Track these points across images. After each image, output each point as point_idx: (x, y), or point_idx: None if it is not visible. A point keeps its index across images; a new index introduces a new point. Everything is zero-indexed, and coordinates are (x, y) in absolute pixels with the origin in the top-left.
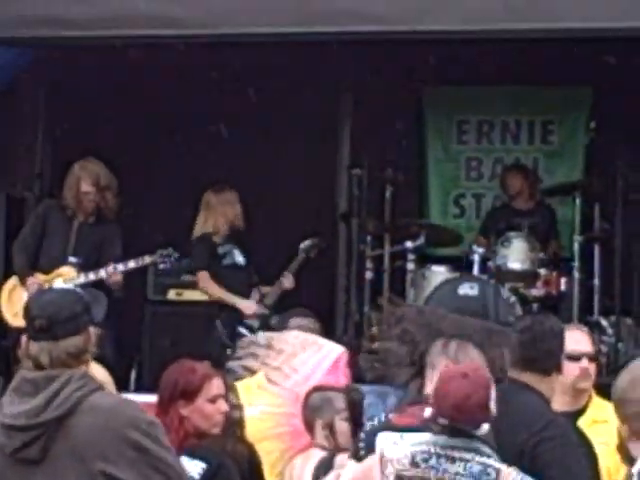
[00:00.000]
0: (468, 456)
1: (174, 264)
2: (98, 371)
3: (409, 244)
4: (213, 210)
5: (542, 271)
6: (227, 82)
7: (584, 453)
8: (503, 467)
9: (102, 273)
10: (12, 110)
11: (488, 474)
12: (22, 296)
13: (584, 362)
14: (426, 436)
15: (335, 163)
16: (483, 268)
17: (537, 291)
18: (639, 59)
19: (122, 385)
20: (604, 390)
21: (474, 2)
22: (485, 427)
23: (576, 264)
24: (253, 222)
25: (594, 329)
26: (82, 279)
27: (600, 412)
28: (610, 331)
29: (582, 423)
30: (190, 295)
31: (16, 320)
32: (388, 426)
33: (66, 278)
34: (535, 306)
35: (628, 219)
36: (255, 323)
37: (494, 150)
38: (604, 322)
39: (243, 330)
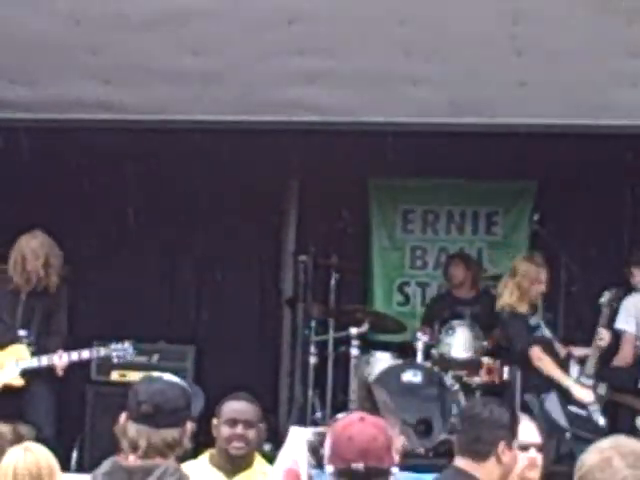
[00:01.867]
0: None
1: (127, 360)
2: (42, 452)
3: (353, 330)
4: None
5: (485, 360)
6: (173, 166)
7: None
8: None
9: (54, 360)
10: None
11: None
12: None
13: (532, 452)
14: None
15: (281, 249)
16: (427, 356)
17: (480, 379)
18: (584, 155)
19: (63, 465)
20: (548, 478)
21: (418, 95)
22: (395, 470)
23: None
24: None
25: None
26: (35, 363)
27: None
28: None
29: None
30: (134, 376)
31: None
32: None
33: (19, 359)
34: (478, 394)
35: (569, 310)
36: None
37: (439, 240)
38: None
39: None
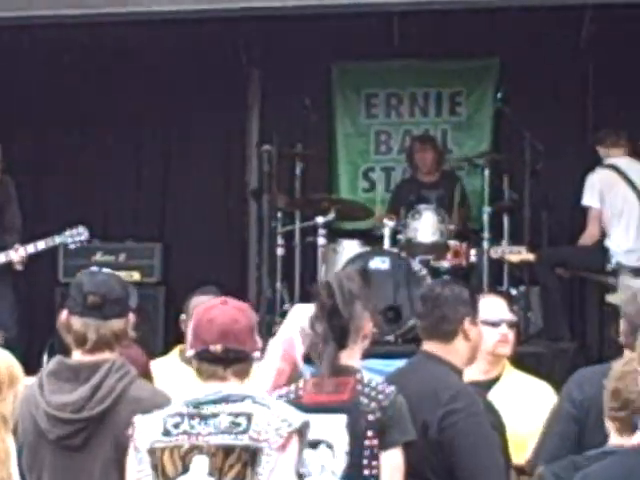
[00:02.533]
0: (217, 409)
1: (84, 243)
2: (3, 359)
3: (320, 219)
4: None
5: (452, 243)
6: (134, 61)
7: (491, 422)
8: (256, 409)
9: (12, 255)
10: None
11: (238, 424)
12: None
13: (503, 328)
14: (179, 399)
15: (244, 140)
16: (394, 242)
17: (447, 263)
18: (546, 29)
19: (34, 367)
20: (517, 359)
21: None
22: (257, 355)
23: (486, 235)
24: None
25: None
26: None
27: (514, 381)
28: (521, 301)
29: (496, 391)
30: None
31: None
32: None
33: None
34: (446, 277)
35: (535, 190)
36: None
37: (403, 123)
38: (514, 292)
39: None
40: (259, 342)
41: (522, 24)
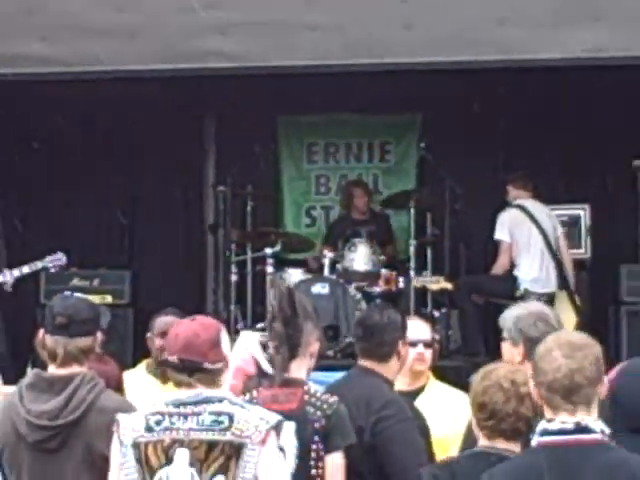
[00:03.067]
0: (199, 409)
1: (63, 268)
2: None
3: (268, 250)
4: None
5: (383, 271)
6: (105, 114)
7: (419, 426)
8: (236, 409)
9: (1, 278)
10: None
11: (221, 422)
12: None
13: (420, 348)
14: (160, 399)
15: (202, 182)
16: (332, 270)
17: (379, 288)
18: (462, 90)
19: (21, 375)
20: (438, 371)
21: (317, 41)
22: (218, 365)
23: (412, 264)
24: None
25: (428, 320)
26: None
27: (436, 391)
28: (442, 322)
29: (421, 400)
30: None
31: None
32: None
33: None
34: (378, 301)
35: (454, 226)
36: None
37: (339, 168)
38: (436, 314)
39: None
40: (224, 355)
41: (440, 85)
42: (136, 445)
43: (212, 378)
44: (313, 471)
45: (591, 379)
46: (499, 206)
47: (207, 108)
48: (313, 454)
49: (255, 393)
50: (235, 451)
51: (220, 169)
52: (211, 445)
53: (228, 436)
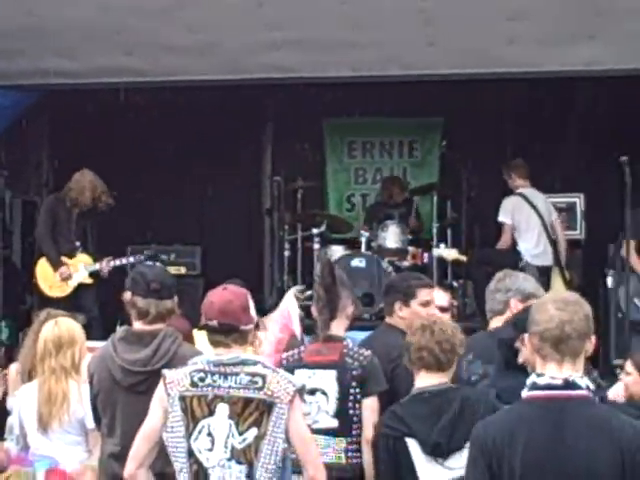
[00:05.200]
0: (237, 369)
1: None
2: (65, 325)
3: (315, 230)
4: None
5: (410, 248)
6: (188, 121)
7: None
8: (269, 372)
9: (102, 265)
10: (24, 139)
11: (255, 382)
12: (52, 274)
13: (431, 308)
14: (203, 358)
15: (261, 173)
16: (368, 247)
17: (407, 263)
18: (476, 98)
19: (109, 333)
20: None
21: (356, 56)
22: (250, 326)
23: (434, 243)
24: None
25: (448, 289)
26: (97, 266)
27: None
28: (460, 291)
29: None
30: None
31: (51, 291)
32: (301, 364)
33: (86, 264)
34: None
35: (470, 210)
36: None
37: (375, 162)
38: (455, 284)
39: None
40: (253, 317)
41: (458, 93)
42: (182, 398)
43: (245, 338)
44: (351, 411)
45: (580, 332)
46: (506, 193)
47: (266, 112)
48: (351, 397)
49: (302, 347)
50: (267, 408)
51: (276, 163)
52: (247, 402)
53: (261, 395)
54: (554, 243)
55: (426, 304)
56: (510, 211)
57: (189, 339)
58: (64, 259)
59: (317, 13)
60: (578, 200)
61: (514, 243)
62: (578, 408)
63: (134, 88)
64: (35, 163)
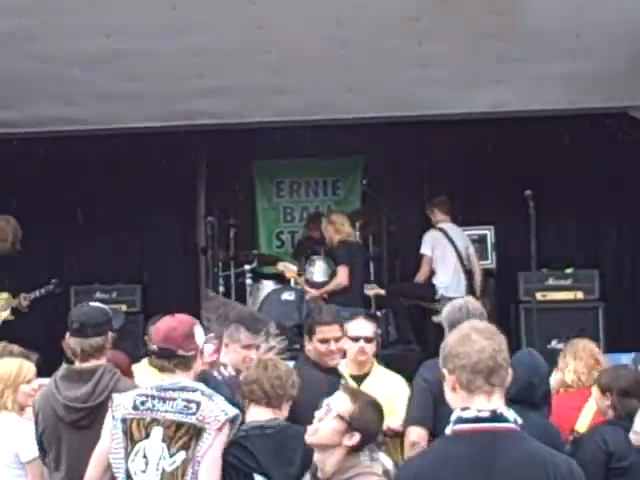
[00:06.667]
0: (175, 395)
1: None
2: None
3: (247, 267)
4: None
5: None
6: (125, 165)
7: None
8: (204, 399)
9: (22, 301)
10: None
11: (189, 407)
12: None
13: (361, 342)
14: (148, 384)
15: (196, 214)
16: (297, 281)
17: None
18: (393, 139)
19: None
20: (381, 358)
21: (282, 102)
22: (191, 353)
23: None
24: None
25: (372, 319)
26: (16, 302)
27: (379, 374)
28: (382, 320)
29: (368, 382)
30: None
31: None
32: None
33: (7, 301)
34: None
35: (390, 243)
36: None
37: (301, 201)
38: (378, 314)
39: None
40: (197, 345)
41: (376, 135)
42: (124, 420)
43: (187, 364)
44: None
45: (507, 362)
46: (424, 228)
47: (198, 156)
48: None
49: None
50: (197, 433)
51: (209, 203)
52: (179, 425)
53: (193, 420)
54: (470, 273)
55: (324, 341)
56: (430, 244)
57: (128, 374)
58: None
59: (242, 61)
60: (489, 232)
61: (432, 275)
62: (508, 441)
63: (74, 136)
64: None
